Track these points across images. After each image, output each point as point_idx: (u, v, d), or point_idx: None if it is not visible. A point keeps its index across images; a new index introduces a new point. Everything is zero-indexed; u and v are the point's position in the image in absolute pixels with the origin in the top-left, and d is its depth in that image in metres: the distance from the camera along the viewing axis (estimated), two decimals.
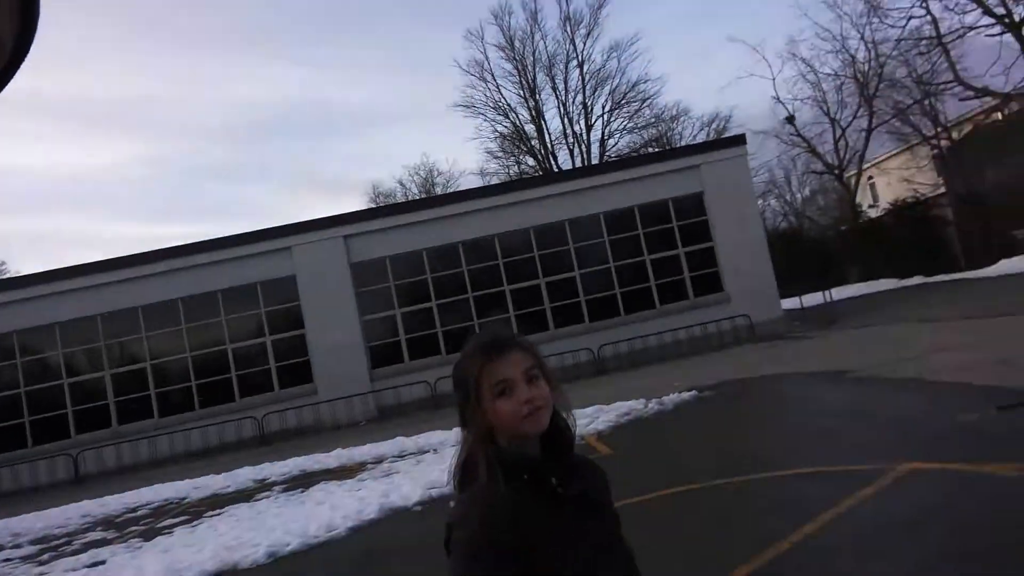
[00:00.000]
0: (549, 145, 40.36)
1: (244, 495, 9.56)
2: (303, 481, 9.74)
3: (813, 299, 23.03)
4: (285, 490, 9.32)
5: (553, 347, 17.92)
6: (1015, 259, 23.59)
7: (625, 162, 23.40)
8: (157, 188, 68.14)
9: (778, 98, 40.26)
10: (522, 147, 41.15)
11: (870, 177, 39.82)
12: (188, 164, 66.21)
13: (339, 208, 70.17)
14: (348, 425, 17.31)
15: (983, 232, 29.73)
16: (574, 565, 1.20)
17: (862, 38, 44.46)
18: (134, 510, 10.21)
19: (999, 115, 29.21)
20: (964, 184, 30.28)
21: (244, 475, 11.15)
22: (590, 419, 9.59)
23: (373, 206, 38.96)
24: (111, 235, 65.99)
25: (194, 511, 9.04)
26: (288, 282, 18.47)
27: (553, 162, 40.08)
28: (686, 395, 10.33)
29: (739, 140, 20.32)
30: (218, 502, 9.37)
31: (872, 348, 11.61)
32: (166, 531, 8.01)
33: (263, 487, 9.94)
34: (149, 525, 8.70)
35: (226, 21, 69.49)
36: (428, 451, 10.02)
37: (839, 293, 26.25)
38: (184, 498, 10.41)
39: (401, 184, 47.45)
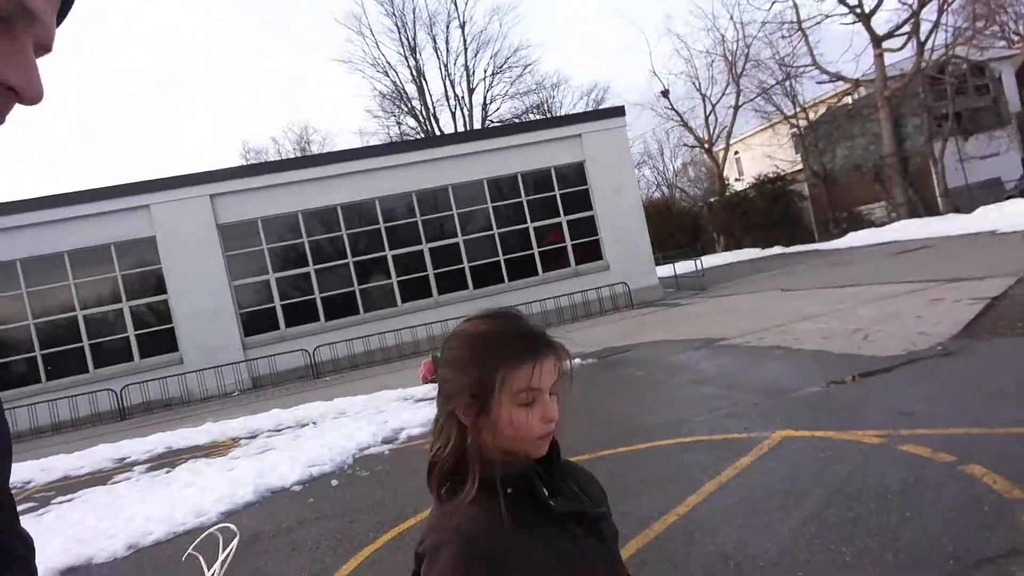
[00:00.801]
0: (431, 107, 39.56)
1: (100, 477, 8.78)
2: (168, 460, 9.06)
3: (685, 267, 24.16)
4: (148, 470, 8.64)
5: (436, 314, 17.77)
6: (861, 232, 25.79)
7: (509, 128, 23.32)
8: None
9: (654, 71, 41.66)
10: (402, 107, 40.11)
11: (736, 152, 42.14)
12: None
13: (206, 165, 65.67)
14: (219, 397, 16.39)
15: (832, 207, 32.33)
16: None
17: (731, 18, 46.35)
18: None
19: (849, 99, 31.60)
20: (817, 162, 32.68)
21: (100, 454, 10.23)
22: None
23: (244, 163, 36.78)
24: None
25: (40, 497, 8.18)
26: (147, 243, 17.05)
27: (435, 124, 39.38)
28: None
29: (619, 111, 20.71)
30: (69, 486, 8.54)
31: (740, 316, 12.28)
32: None
33: (122, 467, 9.17)
34: None
35: None
36: (307, 424, 9.62)
37: (709, 261, 27.73)
38: (28, 482, 9.40)
39: (274, 141, 45.28)
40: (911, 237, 21.05)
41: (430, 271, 18.64)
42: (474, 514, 1.03)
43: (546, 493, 1.10)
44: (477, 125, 38.32)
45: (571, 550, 1.08)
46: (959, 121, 27.29)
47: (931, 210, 26.32)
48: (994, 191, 25.63)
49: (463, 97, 39.70)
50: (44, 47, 0.63)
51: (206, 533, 2.76)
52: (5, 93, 0.59)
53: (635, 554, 3.70)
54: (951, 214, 23.56)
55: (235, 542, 3.02)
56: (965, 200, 25.10)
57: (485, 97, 40.09)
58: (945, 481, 3.85)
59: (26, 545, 0.75)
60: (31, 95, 0.60)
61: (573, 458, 4.69)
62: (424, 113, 39.68)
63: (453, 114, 39.68)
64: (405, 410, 9.17)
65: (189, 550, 2.58)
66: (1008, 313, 7.88)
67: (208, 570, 2.55)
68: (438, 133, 37.18)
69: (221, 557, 2.67)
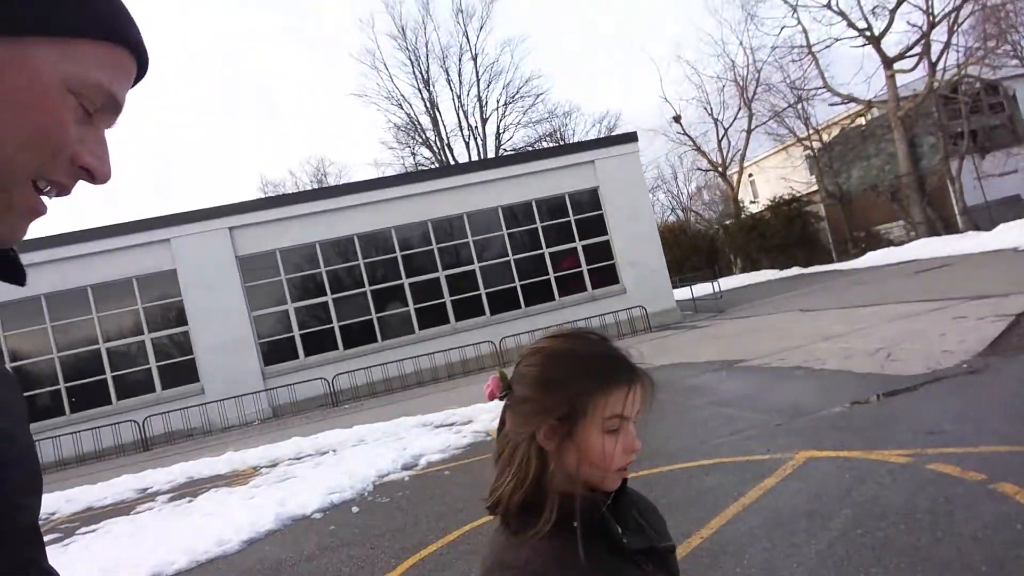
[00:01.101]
0: (444, 137, 40.05)
1: (123, 508, 8.82)
2: (191, 490, 9.10)
3: (702, 289, 24.06)
4: (170, 500, 8.67)
5: (453, 340, 17.80)
6: (879, 252, 25.59)
7: (522, 156, 23.52)
8: None
9: (665, 98, 42.02)
10: (417, 138, 40.62)
11: (750, 175, 42.14)
12: None
13: (225, 199, 66.70)
14: (239, 426, 16.46)
15: (849, 227, 32.14)
16: None
17: (741, 44, 46.74)
18: None
19: (863, 120, 31.58)
20: (833, 183, 32.58)
21: (123, 484, 10.29)
22: (494, 413, 9.49)
23: (262, 196, 37.31)
24: None
25: (65, 528, 8.24)
26: (168, 276, 17.29)
27: (449, 154, 39.81)
28: None
29: (631, 137, 20.84)
30: (93, 517, 8.59)
31: (759, 338, 12.19)
32: None
33: (145, 498, 9.21)
34: None
35: None
36: (327, 452, 9.62)
37: (726, 284, 27.60)
38: (53, 513, 9.47)
39: (291, 173, 45.94)
40: (931, 256, 20.85)
41: (447, 298, 18.71)
42: (545, 550, 0.95)
43: (619, 530, 1.01)
44: (491, 154, 38.69)
45: None
46: (975, 139, 27.14)
47: (950, 228, 26.08)
48: (1014, 208, 25.37)
49: (476, 127, 40.20)
50: (111, 127, 0.71)
51: None
52: (79, 172, 0.66)
53: None
54: (971, 232, 23.33)
55: None
56: (985, 218, 24.86)
57: (498, 126, 40.59)
58: (976, 500, 3.78)
59: None
60: (102, 176, 0.68)
61: None
62: (438, 143, 40.19)
63: (467, 144, 40.16)
64: (424, 436, 9.16)
65: None
66: None
67: None
68: (452, 163, 37.56)
69: None
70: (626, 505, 1.08)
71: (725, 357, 10.80)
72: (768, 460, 5.23)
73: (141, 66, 0.72)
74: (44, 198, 0.67)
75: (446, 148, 40.02)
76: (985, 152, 27.46)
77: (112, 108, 0.68)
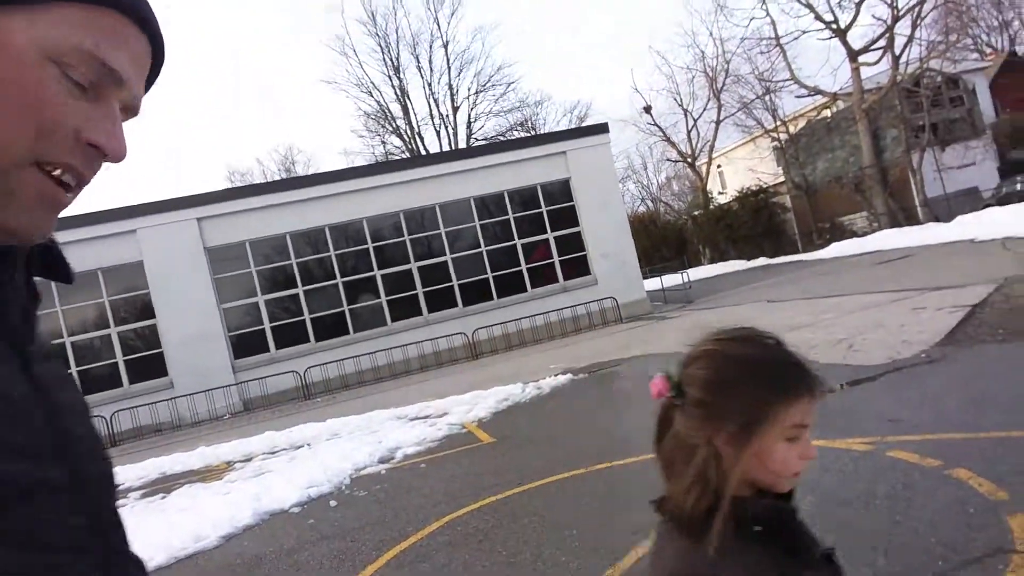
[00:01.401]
0: (415, 125, 39.82)
1: None
2: (163, 485, 9.04)
3: (672, 280, 24.39)
4: (143, 496, 8.62)
5: (426, 332, 17.84)
6: (844, 242, 26.18)
7: (495, 146, 23.54)
8: None
9: (636, 88, 42.22)
10: (387, 126, 40.32)
11: (719, 166, 42.67)
12: None
13: (192, 189, 65.47)
14: (210, 420, 16.32)
15: (814, 217, 32.79)
16: None
17: (711, 35, 47.16)
18: None
19: (828, 112, 32.19)
20: (799, 174, 33.18)
21: None
22: (469, 406, 9.61)
23: (230, 186, 36.79)
24: None
25: None
26: (134, 268, 17.01)
27: (420, 143, 39.62)
28: (562, 378, 10.61)
29: (603, 128, 20.98)
30: None
31: (728, 328, 12.42)
32: None
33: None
34: None
35: None
36: (301, 446, 9.62)
37: (695, 274, 28.00)
38: None
39: (259, 162, 45.34)
40: (892, 247, 21.40)
41: (419, 289, 18.72)
42: (734, 559, 0.93)
43: (813, 536, 1.01)
44: (462, 143, 38.60)
45: None
46: (936, 132, 27.86)
47: (911, 219, 26.76)
48: (971, 200, 26.12)
49: (447, 116, 40.04)
50: (131, 110, 0.69)
51: None
52: (88, 151, 0.64)
53: (639, 562, 3.79)
54: (931, 223, 23.99)
55: None
56: (944, 209, 25.56)
57: (469, 115, 40.48)
58: (933, 485, 3.98)
59: (138, 566, 0.77)
60: (113, 153, 0.65)
61: (570, 473, 4.85)
62: (409, 132, 39.95)
63: (438, 132, 39.98)
64: (399, 429, 9.21)
65: None
66: (988, 320, 8.08)
67: None
68: (423, 152, 37.41)
69: None
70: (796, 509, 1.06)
71: None
72: None
73: (151, 36, 0.68)
74: (63, 189, 0.64)
75: (416, 137, 39.81)
76: (945, 145, 28.20)
77: (112, 79, 0.64)
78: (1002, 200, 23.19)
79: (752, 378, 1.00)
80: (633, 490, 5.19)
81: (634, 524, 4.37)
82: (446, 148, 37.51)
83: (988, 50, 33.87)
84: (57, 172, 0.63)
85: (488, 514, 5.20)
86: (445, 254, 19.03)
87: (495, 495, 5.58)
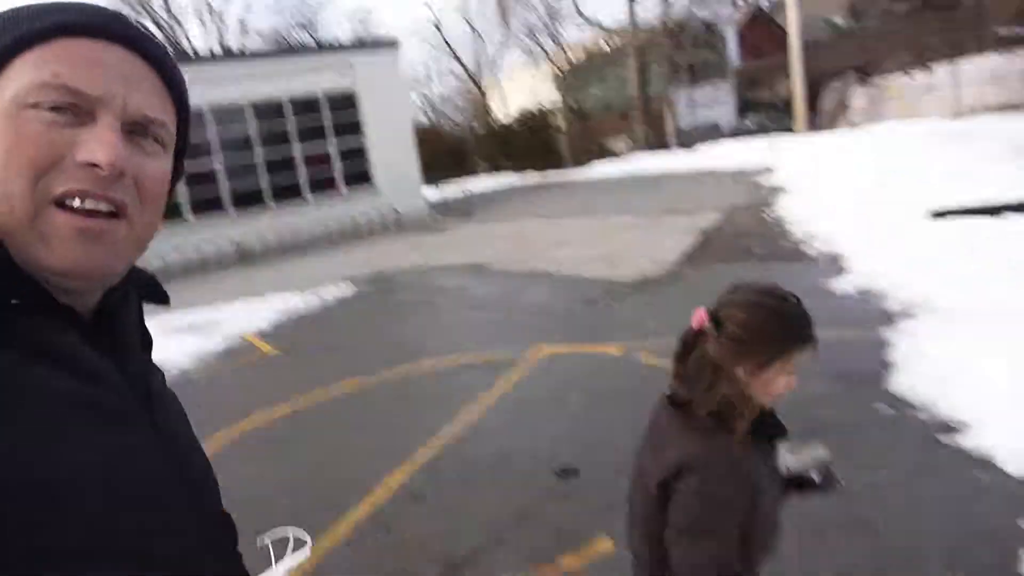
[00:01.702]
0: (175, 16, 35.00)
1: None
2: None
3: (452, 191, 24.84)
4: None
5: (190, 239, 16.61)
6: (606, 162, 28.65)
7: (278, 53, 21.82)
8: None
9: (427, 3, 40.90)
10: (141, 11, 34.94)
11: (503, 86, 43.46)
12: None
13: None
14: None
15: (585, 140, 35.15)
16: (772, 510, 1.40)
17: None
18: None
19: (605, 45, 34.19)
20: (575, 100, 35.09)
21: None
22: (248, 315, 9.29)
23: None
24: None
25: None
26: None
27: (182, 35, 35.01)
28: (343, 287, 10.60)
29: (393, 43, 20.43)
30: None
31: (504, 242, 13.16)
32: None
33: None
34: None
35: None
36: None
37: (474, 186, 28.81)
38: None
39: None
40: (646, 171, 23.71)
41: (186, 200, 17.12)
42: (741, 459, 1.32)
43: (786, 435, 1.45)
44: (233, 40, 34.82)
45: (771, 476, 1.44)
46: (693, 72, 30.91)
47: (663, 146, 29.88)
48: (713, 133, 29.77)
49: (219, 11, 35.55)
50: (135, 118, 0.68)
51: (278, 533, 2.60)
52: (88, 170, 0.64)
53: (428, 462, 4.17)
54: (677, 149, 27.09)
55: (306, 549, 2.89)
56: (692, 140, 28.86)
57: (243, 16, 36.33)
58: (666, 381, 4.82)
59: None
60: (106, 161, 0.65)
61: (360, 378, 5.13)
62: (168, 22, 34.91)
63: (205, 25, 35.56)
64: (167, 341, 8.66)
65: (264, 540, 2.45)
66: (718, 243, 9.55)
67: (274, 567, 2.47)
68: (187, 46, 33.20)
69: (286, 564, 2.55)
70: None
71: (474, 260, 11.53)
72: (514, 356, 5.97)
73: (125, 41, 0.69)
74: (92, 217, 0.65)
75: (176, 24, 34.95)
76: (697, 84, 31.47)
77: (81, 99, 0.65)
78: (734, 133, 27.29)
79: (779, 327, 1.31)
80: (424, 393, 5.58)
81: (427, 423, 4.75)
82: (215, 45, 33.66)
83: (741, 2, 37.70)
84: (76, 203, 0.64)
85: (282, 425, 5.26)
86: (217, 158, 17.51)
87: (284, 406, 5.62)
